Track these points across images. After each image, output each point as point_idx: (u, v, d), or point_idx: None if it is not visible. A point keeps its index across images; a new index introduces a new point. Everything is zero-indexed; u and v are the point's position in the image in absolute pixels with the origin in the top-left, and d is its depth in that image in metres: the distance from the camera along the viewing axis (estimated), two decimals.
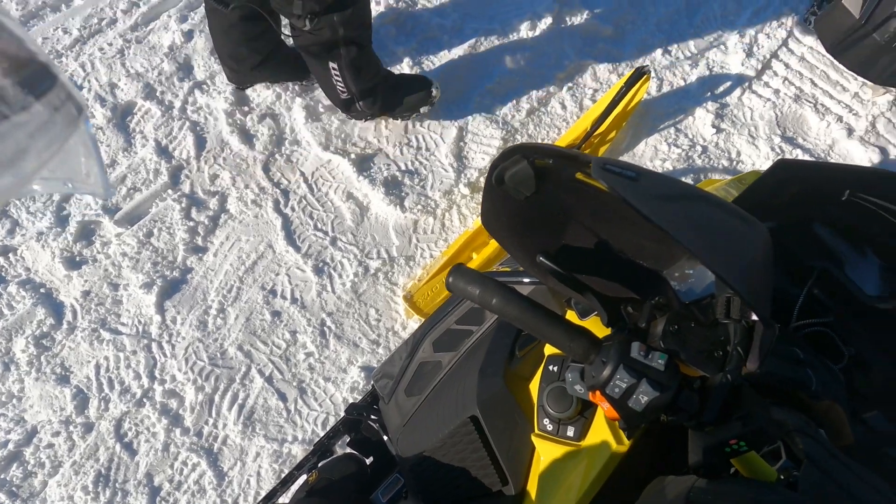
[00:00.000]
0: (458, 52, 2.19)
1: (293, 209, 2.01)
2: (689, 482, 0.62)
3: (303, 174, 2.06)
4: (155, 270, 1.94)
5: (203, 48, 2.17)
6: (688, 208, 0.65)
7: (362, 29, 1.79)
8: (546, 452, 0.89)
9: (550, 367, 0.90)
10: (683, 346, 0.68)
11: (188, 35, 2.18)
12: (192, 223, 1.97)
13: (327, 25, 1.70)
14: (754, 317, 0.64)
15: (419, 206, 2.00)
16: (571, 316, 0.95)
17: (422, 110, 2.05)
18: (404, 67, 2.17)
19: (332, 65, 1.82)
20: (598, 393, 0.66)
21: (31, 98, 0.32)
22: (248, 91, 2.14)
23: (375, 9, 2.22)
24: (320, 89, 2.12)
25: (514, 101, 2.12)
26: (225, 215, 2.00)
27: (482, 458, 0.95)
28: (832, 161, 2.01)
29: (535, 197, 0.72)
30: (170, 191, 2.01)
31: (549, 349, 0.94)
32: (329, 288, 1.92)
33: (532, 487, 0.90)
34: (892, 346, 0.86)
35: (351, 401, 1.75)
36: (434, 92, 2.02)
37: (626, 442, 0.80)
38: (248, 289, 1.92)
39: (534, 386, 0.93)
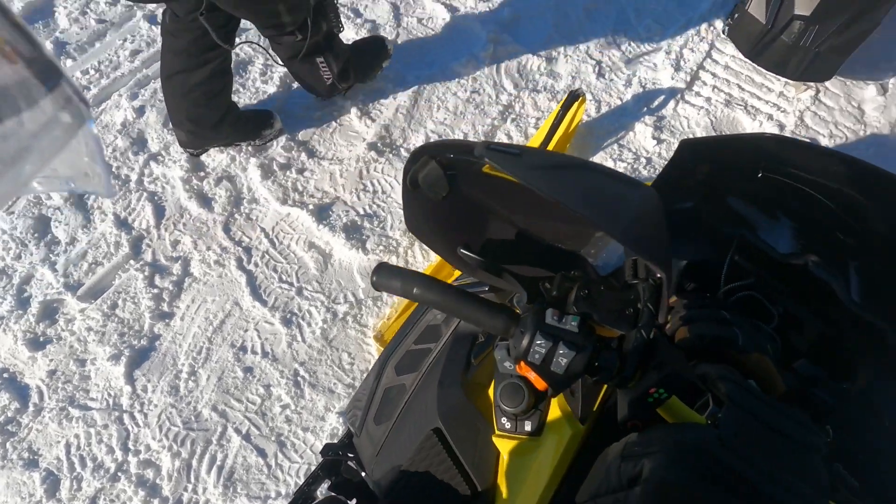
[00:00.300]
0: (403, 98, 2.28)
1: (256, 265, 2.03)
2: (624, 441, 0.64)
3: (263, 230, 2.09)
4: (122, 341, 1.92)
5: (156, 121, 2.23)
6: (573, 176, 0.69)
7: (335, 16, 1.98)
8: (508, 451, 0.90)
9: (504, 382, 0.92)
10: (595, 309, 0.71)
11: (140, 111, 2.25)
12: (156, 290, 1.97)
13: (315, 27, 1.87)
14: (660, 274, 0.67)
15: (381, 247, 2.04)
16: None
17: (384, 65, 2.26)
18: (353, 118, 2.25)
19: (319, 59, 2.01)
20: (522, 363, 0.69)
21: (39, 95, 0.31)
22: (203, 157, 2.19)
23: None
24: (272, 147, 2.18)
25: (462, 138, 2.20)
26: (189, 279, 2.01)
27: (449, 468, 0.95)
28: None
29: (452, 196, 0.76)
30: (132, 261, 2.02)
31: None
32: (299, 338, 1.92)
33: (500, 489, 0.91)
34: (815, 301, 0.90)
35: None
36: (388, 46, 2.23)
37: (581, 427, 0.81)
38: (218, 348, 1.91)
39: (492, 391, 0.94)
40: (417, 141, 2.26)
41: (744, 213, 0.93)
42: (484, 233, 0.83)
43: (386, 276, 0.76)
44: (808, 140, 2.21)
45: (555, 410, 0.85)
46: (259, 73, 2.35)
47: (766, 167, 0.91)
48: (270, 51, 2.04)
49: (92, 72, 2.31)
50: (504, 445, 0.90)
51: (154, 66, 2.33)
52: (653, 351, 0.66)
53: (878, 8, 2.13)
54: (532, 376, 0.69)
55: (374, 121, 2.29)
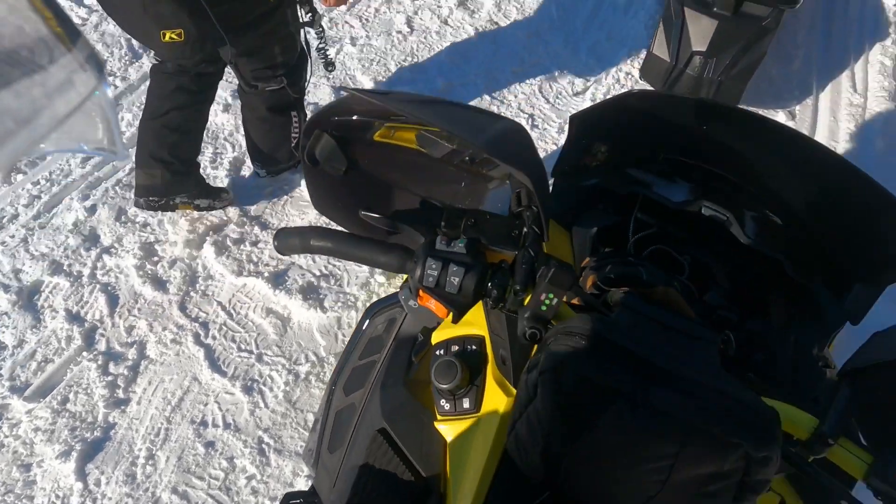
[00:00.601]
0: None
1: (214, 338, 1.99)
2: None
3: (220, 303, 2.07)
4: (73, 436, 1.81)
5: (108, 217, 2.27)
6: (441, 106, 0.76)
7: (308, 75, 2.20)
8: (450, 434, 0.89)
9: (437, 352, 0.92)
10: (482, 233, 0.75)
11: (91, 209, 2.29)
12: (110, 378, 1.90)
13: (298, 77, 2.07)
14: (531, 187, 0.72)
15: (339, 304, 2.03)
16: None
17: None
18: (302, 189, 2.34)
19: (293, 114, 2.16)
20: (421, 292, 0.72)
21: (56, 56, 0.31)
22: (155, 245, 2.21)
23: None
24: (226, 226, 2.23)
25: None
26: (145, 361, 1.94)
27: (398, 465, 0.92)
28: None
29: (352, 172, 0.82)
30: (84, 353, 1.95)
31: (435, 338, 0.96)
32: (261, 404, 1.84)
33: (447, 474, 0.87)
34: (717, 245, 0.95)
35: None
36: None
37: (514, 391, 0.81)
38: (177, 427, 1.81)
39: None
40: None
41: (643, 179, 1.00)
42: (388, 205, 0.87)
43: (285, 238, 0.80)
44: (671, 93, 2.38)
45: (490, 384, 0.86)
46: (209, 161, 2.45)
47: (645, 125, 0.99)
48: (243, 108, 2.18)
49: (43, 182, 2.37)
50: (447, 430, 0.89)
51: (105, 168, 2.42)
52: (540, 265, 0.70)
53: (763, 39, 2.40)
54: (433, 304, 0.72)
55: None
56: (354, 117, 0.80)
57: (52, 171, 2.40)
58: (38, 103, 0.29)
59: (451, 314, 0.73)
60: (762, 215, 0.97)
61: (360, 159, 0.81)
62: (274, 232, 2.24)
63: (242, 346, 1.97)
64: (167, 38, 1.73)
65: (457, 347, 0.89)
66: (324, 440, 1.12)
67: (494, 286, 0.72)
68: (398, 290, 0.87)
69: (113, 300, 2.08)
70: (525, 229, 0.76)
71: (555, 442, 0.62)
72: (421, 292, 0.73)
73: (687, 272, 0.97)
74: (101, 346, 1.97)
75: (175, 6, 1.66)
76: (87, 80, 0.33)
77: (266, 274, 2.12)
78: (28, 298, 2.10)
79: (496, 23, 2.95)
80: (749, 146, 0.92)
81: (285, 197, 2.36)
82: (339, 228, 0.82)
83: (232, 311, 2.06)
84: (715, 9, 2.33)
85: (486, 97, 2.65)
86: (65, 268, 2.14)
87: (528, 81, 2.71)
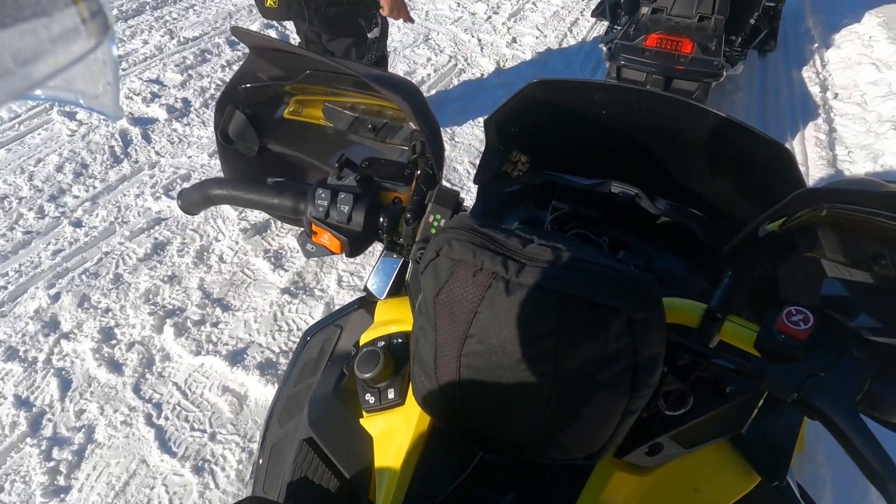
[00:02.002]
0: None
1: (167, 418, 1.92)
2: None
3: (175, 384, 2.02)
4: None
5: (70, 304, 2.27)
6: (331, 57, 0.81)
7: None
8: (376, 428, 0.86)
9: (363, 349, 0.91)
10: (375, 171, 0.78)
11: (55, 297, 2.30)
12: (52, 464, 1.79)
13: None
14: (415, 125, 0.76)
15: None
16: None
17: None
18: (266, 272, 2.37)
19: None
20: (314, 226, 0.72)
21: (66, 3, 0.30)
22: (115, 329, 2.19)
23: None
24: (189, 307, 2.23)
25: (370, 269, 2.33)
26: (92, 445, 1.85)
27: (324, 473, 0.87)
28: None
29: (264, 151, 0.86)
30: (28, 439, 1.86)
31: (363, 339, 0.96)
32: (212, 485, 1.74)
33: (375, 472, 0.83)
34: (633, 224, 0.98)
35: None
36: None
37: None
38: None
39: None
40: (331, 282, 2.37)
41: (558, 180, 1.04)
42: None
43: (187, 195, 0.81)
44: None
45: None
46: (176, 251, 2.50)
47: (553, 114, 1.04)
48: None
49: (12, 273, 2.39)
50: (371, 424, 0.87)
51: (74, 259, 2.46)
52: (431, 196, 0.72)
53: None
54: (326, 238, 0.72)
55: (286, 271, 2.41)
56: (260, 84, 0.83)
57: (22, 264, 2.43)
58: (41, 47, 0.28)
59: (344, 248, 0.73)
60: (669, 187, 0.99)
61: (271, 138, 0.84)
62: (236, 313, 2.24)
63: (196, 426, 1.89)
64: (268, 3, 2.53)
65: (383, 343, 0.88)
66: (258, 482, 1.06)
67: (386, 217, 0.72)
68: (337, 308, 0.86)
69: (65, 384, 2.02)
70: (419, 171, 0.78)
71: (443, 340, 0.60)
72: (314, 227, 0.73)
73: (606, 250, 0.98)
74: (47, 432, 1.89)
75: None
76: (93, 33, 0.32)
77: (224, 353, 2.09)
78: None
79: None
80: (649, 121, 0.96)
81: (248, 280, 2.39)
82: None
83: (187, 391, 2.00)
84: (647, 87, 2.55)
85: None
86: (20, 354, 2.10)
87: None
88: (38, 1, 0.29)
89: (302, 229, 0.79)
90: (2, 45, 0.27)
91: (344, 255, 0.76)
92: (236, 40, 4.08)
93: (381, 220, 0.75)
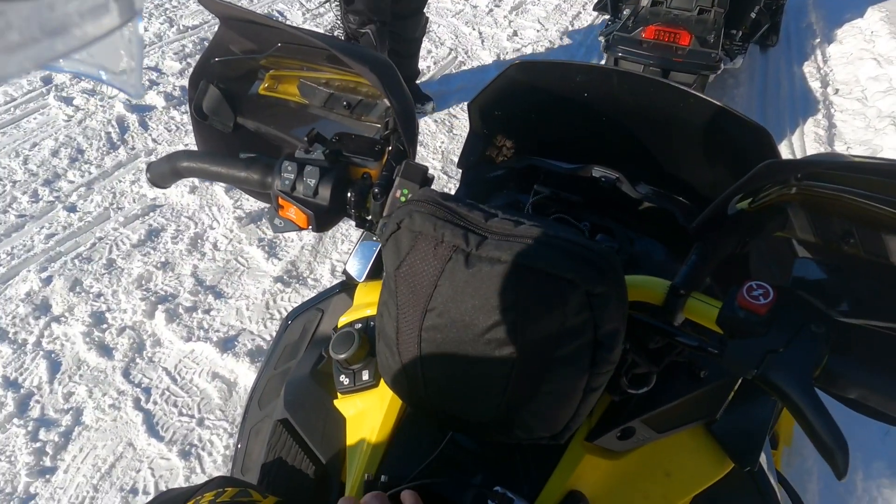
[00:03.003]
0: (309, 237, 2.44)
1: (155, 403, 1.91)
2: None
3: (165, 369, 2.01)
4: None
5: (62, 287, 2.27)
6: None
7: None
8: (350, 409, 0.86)
9: (340, 331, 0.90)
10: (345, 146, 0.76)
11: (47, 280, 2.30)
12: (38, 444, 1.79)
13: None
14: (390, 101, 0.75)
15: None
16: None
17: None
18: (259, 260, 2.36)
19: None
20: (280, 200, 0.71)
21: None
22: (106, 313, 2.19)
23: None
24: (181, 294, 2.23)
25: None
26: (79, 427, 1.85)
27: (297, 454, 0.87)
28: None
29: (239, 128, 0.85)
30: (15, 419, 1.86)
31: (340, 322, 0.95)
32: (198, 469, 1.74)
33: (348, 454, 0.83)
34: (614, 209, 0.97)
35: None
36: None
37: None
38: (104, 495, 1.69)
39: None
40: (324, 272, 2.36)
41: (540, 164, 1.03)
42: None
43: (156, 168, 0.80)
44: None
45: None
46: (170, 238, 2.50)
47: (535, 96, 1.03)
48: None
49: (4, 256, 2.39)
50: (345, 405, 0.86)
51: (67, 243, 2.46)
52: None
53: None
54: (293, 213, 0.71)
55: (280, 259, 2.41)
56: (232, 57, 0.82)
57: (15, 247, 2.43)
58: (68, 19, 0.28)
59: (311, 223, 0.72)
60: (650, 171, 0.98)
61: (246, 114, 0.83)
62: (228, 300, 2.24)
63: (184, 411, 1.89)
64: None
65: (360, 325, 0.88)
66: (236, 463, 1.05)
67: (354, 192, 0.71)
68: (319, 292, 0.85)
69: (54, 367, 2.02)
70: (390, 147, 0.77)
71: (404, 313, 0.59)
72: (281, 201, 0.72)
73: (586, 235, 0.97)
74: (35, 413, 1.89)
75: None
76: (122, 10, 0.32)
77: (215, 339, 2.09)
78: None
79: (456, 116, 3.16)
80: (630, 103, 0.95)
81: (241, 268, 2.38)
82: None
83: (177, 377, 2.00)
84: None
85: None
86: (10, 336, 2.10)
87: None
88: None
89: (269, 205, 0.79)
90: (30, 13, 0.27)
91: (311, 229, 0.75)
92: None
93: (349, 195, 0.74)
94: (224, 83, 0.85)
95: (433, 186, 0.81)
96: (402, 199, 0.70)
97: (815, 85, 3.54)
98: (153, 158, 2.91)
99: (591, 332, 0.54)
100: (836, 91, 3.45)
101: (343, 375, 0.85)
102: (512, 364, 0.56)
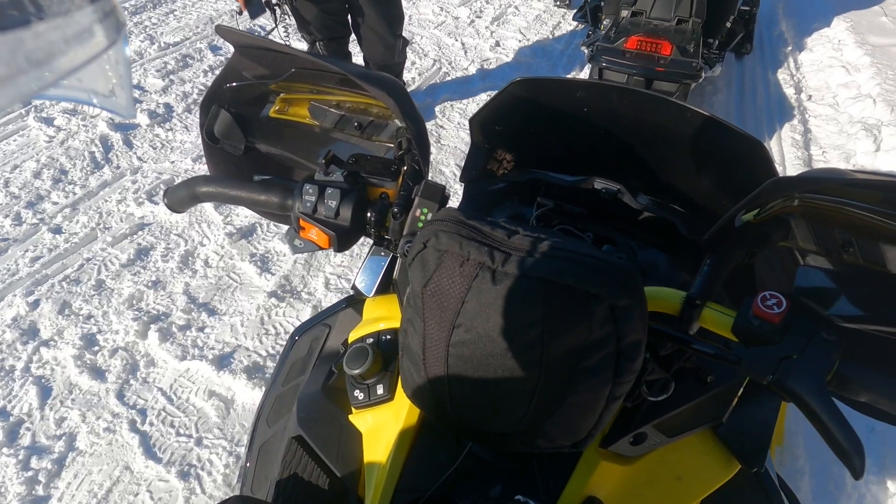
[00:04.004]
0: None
1: (151, 424, 1.88)
2: None
3: (160, 389, 1.99)
4: None
5: (50, 311, 2.22)
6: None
7: None
8: (365, 424, 0.86)
9: (352, 346, 0.91)
10: (361, 167, 0.78)
11: (34, 304, 2.25)
12: (30, 473, 1.75)
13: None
14: (402, 122, 0.77)
15: None
16: None
17: None
18: (252, 276, 2.35)
19: None
20: (301, 222, 0.72)
21: (80, 2, 0.30)
22: (97, 335, 2.15)
23: None
24: (174, 312, 2.20)
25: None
26: (73, 453, 1.81)
27: (314, 470, 0.87)
28: None
29: (250, 151, 0.86)
30: (4, 449, 1.82)
31: (352, 336, 0.96)
32: (198, 490, 1.71)
33: (364, 469, 0.83)
34: (616, 220, 1.00)
35: None
36: None
37: None
38: None
39: None
40: (318, 285, 2.35)
41: (541, 177, 1.06)
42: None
43: (173, 193, 0.80)
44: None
45: None
46: (160, 256, 2.47)
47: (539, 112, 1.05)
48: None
49: None
50: (360, 421, 0.86)
51: (54, 266, 2.42)
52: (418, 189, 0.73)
53: None
54: (314, 234, 0.72)
55: (273, 274, 2.39)
56: (245, 82, 0.83)
57: None
58: (54, 48, 0.28)
59: (332, 244, 0.73)
60: (651, 182, 1.01)
61: (257, 137, 0.83)
62: (222, 317, 2.22)
63: (181, 431, 1.87)
64: None
65: (372, 339, 0.88)
66: (246, 482, 1.04)
67: (374, 212, 0.73)
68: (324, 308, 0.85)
69: (45, 392, 1.98)
70: (405, 167, 0.79)
71: (431, 330, 0.60)
72: (302, 222, 0.73)
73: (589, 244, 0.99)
74: (25, 441, 1.84)
75: None
76: (106, 33, 0.32)
77: (210, 357, 2.06)
78: None
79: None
80: (629, 118, 0.97)
81: (234, 284, 2.36)
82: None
83: (173, 396, 1.97)
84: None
85: None
86: None
87: None
88: (52, 2, 0.29)
89: (289, 226, 0.79)
90: (16, 45, 0.27)
91: (332, 249, 0.76)
92: (218, 45, 4.06)
93: (369, 214, 0.76)
94: (235, 107, 0.85)
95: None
96: (423, 217, 0.71)
97: (789, 91, 3.64)
98: (139, 177, 2.89)
99: (614, 343, 0.56)
100: (810, 97, 3.56)
101: (357, 390, 0.86)
102: (537, 376, 0.57)
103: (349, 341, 0.95)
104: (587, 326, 0.55)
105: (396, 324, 0.92)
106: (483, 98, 3.55)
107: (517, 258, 0.57)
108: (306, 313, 2.23)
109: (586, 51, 2.99)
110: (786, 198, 0.69)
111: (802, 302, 0.61)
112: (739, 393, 0.80)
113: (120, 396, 1.96)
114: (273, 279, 2.36)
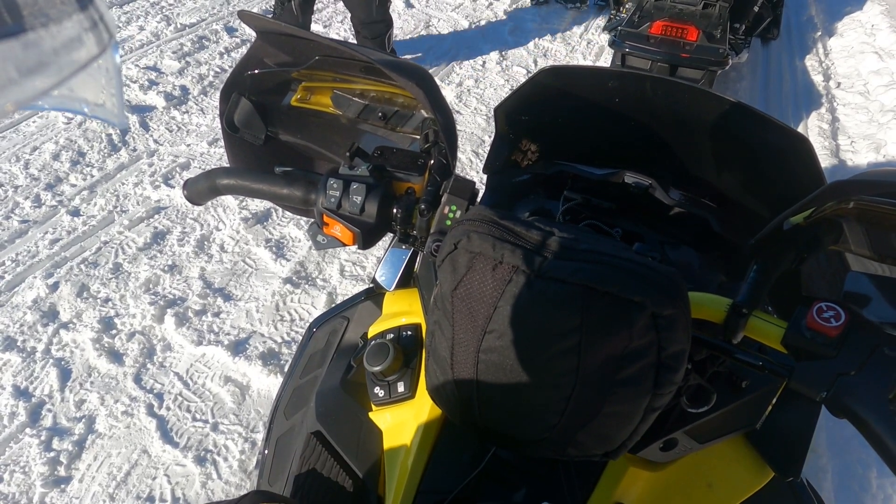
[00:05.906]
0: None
1: (168, 408, 1.90)
2: None
3: (177, 374, 2.00)
4: None
5: (69, 293, 2.24)
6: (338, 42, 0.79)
7: None
8: (385, 422, 0.85)
9: (372, 342, 0.89)
10: (387, 161, 0.75)
11: (53, 286, 2.27)
12: (52, 454, 1.78)
13: None
14: (428, 112, 0.74)
15: None
16: None
17: None
18: (268, 261, 2.35)
19: None
20: (325, 217, 0.70)
21: (69, 12, 0.30)
22: (115, 319, 2.17)
23: None
24: (190, 297, 2.21)
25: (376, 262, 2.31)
26: (93, 436, 1.83)
27: (332, 467, 0.86)
28: None
29: (271, 140, 0.83)
30: (27, 429, 1.85)
31: (371, 331, 0.94)
32: (214, 475, 1.73)
33: (385, 467, 0.82)
34: (646, 215, 0.96)
35: None
36: None
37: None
38: None
39: None
40: (333, 272, 2.35)
41: (568, 168, 1.02)
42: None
43: (193, 185, 0.78)
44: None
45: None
46: (176, 240, 2.48)
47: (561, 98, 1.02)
48: None
49: (8, 262, 2.36)
50: (380, 418, 0.85)
51: (72, 248, 2.43)
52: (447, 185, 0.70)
53: None
54: (338, 230, 0.70)
55: (288, 260, 2.39)
56: (266, 70, 0.80)
57: (19, 253, 2.41)
58: (44, 58, 0.28)
59: (357, 240, 0.71)
60: (683, 177, 0.97)
61: (278, 127, 0.81)
62: (238, 302, 2.22)
63: (198, 416, 1.88)
64: None
65: (392, 335, 0.87)
66: (263, 472, 1.04)
67: (400, 208, 0.71)
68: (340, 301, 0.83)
69: (65, 374, 2.00)
70: (432, 161, 0.76)
71: (460, 335, 0.58)
72: (325, 218, 0.71)
73: (623, 244, 0.95)
74: (47, 422, 1.87)
75: None
76: (96, 41, 0.32)
77: (226, 342, 2.07)
78: None
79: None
80: (663, 109, 0.94)
81: (250, 270, 2.36)
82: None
83: (189, 381, 1.98)
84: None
85: None
86: (18, 344, 2.08)
87: None
88: (42, 12, 0.28)
89: (312, 220, 0.77)
90: (5, 55, 0.26)
91: (356, 246, 0.74)
92: (235, 27, 4.03)
93: (395, 211, 0.73)
94: (256, 95, 0.83)
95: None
96: (451, 215, 0.69)
97: (817, 78, 3.54)
98: (155, 160, 2.89)
99: (655, 353, 0.54)
100: (839, 85, 3.45)
101: (378, 387, 0.84)
102: (572, 386, 0.55)
103: (369, 336, 0.94)
104: (627, 335, 0.52)
105: (417, 319, 0.90)
106: (500, 82, 3.49)
107: (554, 262, 0.54)
108: (321, 300, 2.23)
109: (608, 35, 2.92)
110: (840, 199, 0.65)
111: (861, 315, 0.57)
112: (775, 399, 0.77)
113: (137, 380, 1.98)
114: (288, 265, 2.36)
